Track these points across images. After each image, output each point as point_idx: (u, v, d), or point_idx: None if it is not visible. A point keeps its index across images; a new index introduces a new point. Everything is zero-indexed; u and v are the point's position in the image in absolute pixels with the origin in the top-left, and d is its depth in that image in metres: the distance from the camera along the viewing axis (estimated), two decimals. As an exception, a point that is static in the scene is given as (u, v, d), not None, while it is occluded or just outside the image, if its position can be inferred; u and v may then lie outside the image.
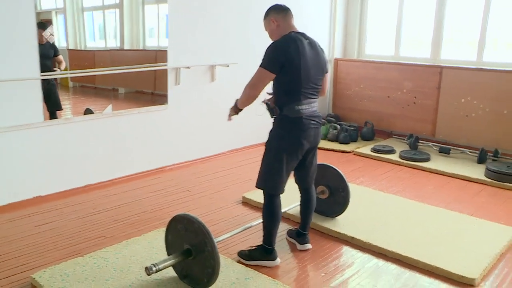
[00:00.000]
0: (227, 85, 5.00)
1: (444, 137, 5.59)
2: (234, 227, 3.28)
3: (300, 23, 5.61)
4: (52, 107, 3.99)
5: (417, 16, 6.02)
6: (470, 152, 5.24)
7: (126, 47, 4.82)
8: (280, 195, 2.84)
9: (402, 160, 5.07)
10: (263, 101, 2.86)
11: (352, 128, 5.95)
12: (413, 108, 5.81)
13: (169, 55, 4.43)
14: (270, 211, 2.84)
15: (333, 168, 3.45)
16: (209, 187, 4.23)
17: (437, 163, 5.00)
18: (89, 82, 4.72)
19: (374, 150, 5.40)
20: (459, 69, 5.42)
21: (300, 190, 3.11)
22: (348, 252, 3.09)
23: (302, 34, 2.76)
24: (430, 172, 4.82)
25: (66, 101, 4.40)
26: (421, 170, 4.88)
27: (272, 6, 2.85)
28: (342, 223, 3.41)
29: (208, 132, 4.98)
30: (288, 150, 2.75)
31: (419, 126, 5.77)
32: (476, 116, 5.30)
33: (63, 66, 4.10)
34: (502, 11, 5.30)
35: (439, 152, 5.34)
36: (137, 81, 4.91)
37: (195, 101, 4.78)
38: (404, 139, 5.78)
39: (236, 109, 2.87)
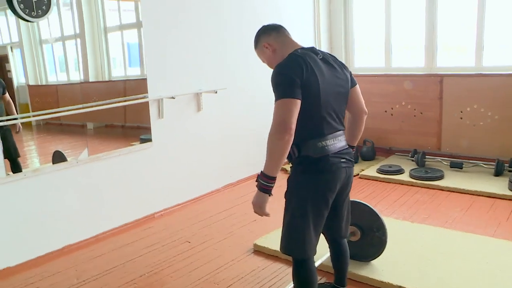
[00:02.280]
0: (216, 114, 4.46)
1: (451, 150, 5.18)
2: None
3: None
4: (11, 154, 3.31)
5: (406, 24, 5.65)
6: (485, 164, 4.84)
7: (91, 79, 4.21)
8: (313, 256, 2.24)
9: (414, 180, 4.61)
10: None
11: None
12: (414, 121, 5.39)
13: (149, 85, 3.84)
14: (302, 281, 2.23)
15: (364, 204, 2.92)
16: (211, 234, 3.62)
17: (453, 180, 4.56)
18: (54, 119, 4.08)
19: (381, 171, 4.92)
20: (461, 76, 5.05)
21: (328, 241, 2.54)
22: (399, 307, 2.55)
23: (312, 49, 2.17)
24: (449, 191, 4.36)
25: (30, 141, 3.75)
26: (438, 190, 4.42)
27: (259, 31, 2.30)
28: (381, 268, 2.87)
29: (197, 169, 4.39)
30: (314, 201, 2.12)
31: (422, 140, 5.35)
32: (485, 125, 4.91)
33: (11, 106, 3.44)
34: (498, 13, 4.97)
35: (451, 167, 4.91)
36: (107, 114, 4.30)
37: (181, 135, 4.20)
38: (407, 156, 5.34)
39: (269, 184, 2.00)
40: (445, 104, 5.12)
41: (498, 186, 4.32)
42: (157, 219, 3.98)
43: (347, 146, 2.25)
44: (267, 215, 2.06)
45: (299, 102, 1.97)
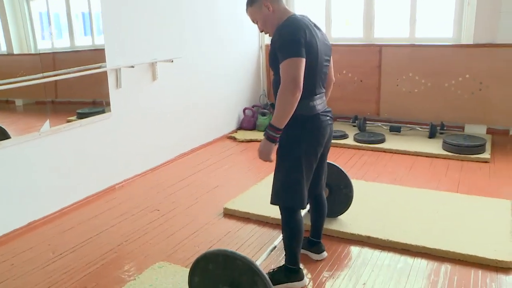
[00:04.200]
0: (171, 83, 4.47)
1: (389, 115, 5.57)
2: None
3: (230, 9, 5.21)
4: None
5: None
6: (420, 127, 5.28)
7: (15, 51, 3.97)
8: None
9: (359, 144, 4.94)
10: (269, 103, 2.44)
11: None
12: (355, 89, 5.71)
13: (107, 55, 3.75)
14: (294, 230, 2.43)
15: (331, 163, 3.13)
16: (177, 202, 3.69)
17: (394, 142, 4.95)
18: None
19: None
20: (397, 46, 5.42)
21: (309, 196, 2.75)
22: (370, 254, 2.81)
23: (306, 17, 2.36)
24: (391, 153, 4.74)
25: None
26: (383, 152, 4.79)
27: None
28: (349, 223, 3.13)
29: (154, 139, 4.39)
30: (306, 155, 2.33)
31: (363, 107, 5.69)
32: (419, 92, 5.34)
33: None
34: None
35: (390, 131, 5.31)
36: (36, 90, 4.08)
37: (139, 105, 4.16)
38: (349, 122, 5.67)
39: (276, 135, 2.18)
40: (383, 73, 5.47)
41: (433, 146, 4.76)
42: (119, 190, 3.96)
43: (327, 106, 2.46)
44: (271, 161, 2.29)
45: (304, 60, 2.14)
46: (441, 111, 5.24)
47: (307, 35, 2.18)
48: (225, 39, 5.29)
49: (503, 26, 4.91)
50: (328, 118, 2.41)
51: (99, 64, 3.77)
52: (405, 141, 4.98)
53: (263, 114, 5.73)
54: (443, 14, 5.43)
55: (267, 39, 6.13)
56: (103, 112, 3.84)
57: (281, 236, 2.54)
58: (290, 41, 2.14)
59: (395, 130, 5.28)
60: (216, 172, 4.36)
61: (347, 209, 3.17)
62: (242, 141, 5.33)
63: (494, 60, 4.93)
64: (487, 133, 5.14)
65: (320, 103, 2.35)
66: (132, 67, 3.92)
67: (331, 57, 2.47)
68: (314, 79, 2.28)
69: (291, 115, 2.15)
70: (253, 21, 2.40)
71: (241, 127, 5.80)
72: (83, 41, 3.91)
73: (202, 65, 4.94)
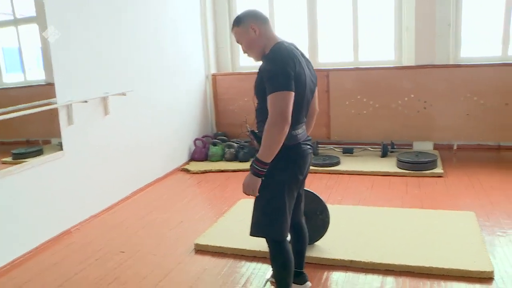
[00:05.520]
0: (123, 118, 4.27)
1: (339, 138, 5.66)
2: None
3: (174, 40, 5.16)
4: None
5: (288, 23, 6.02)
6: (371, 148, 5.40)
7: None
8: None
9: (316, 168, 4.94)
10: (249, 130, 2.37)
11: (247, 144, 5.64)
12: (305, 114, 5.74)
13: (57, 90, 3.51)
14: (284, 261, 2.33)
15: (306, 190, 3.06)
16: (143, 241, 3.46)
17: (349, 164, 5.01)
18: None
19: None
20: (343, 70, 5.56)
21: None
22: (356, 278, 2.76)
23: (293, 44, 2.34)
24: (349, 174, 4.79)
25: None
26: (340, 174, 4.82)
27: (245, 12, 2.33)
28: (327, 248, 3.07)
29: (108, 176, 4.13)
30: (289, 183, 2.27)
31: (314, 131, 5.62)
32: (368, 113, 5.49)
33: None
34: (371, 13, 5.62)
35: (343, 153, 5.39)
36: None
37: (91, 141, 3.91)
38: (301, 147, 5.69)
39: (263, 170, 2.11)
40: (332, 97, 5.57)
41: (388, 165, 4.88)
42: (76, 233, 3.65)
43: (307, 135, 2.42)
44: (256, 195, 2.19)
45: (293, 94, 2.09)
46: (390, 130, 5.41)
47: (296, 66, 2.13)
48: (173, 70, 5.17)
49: (439, 48, 5.20)
50: (308, 147, 2.37)
51: (48, 100, 3.52)
52: (359, 162, 5.06)
53: (214, 144, 5.62)
54: (383, 38, 5.66)
55: (213, 68, 6.09)
56: (41, 151, 3.56)
57: (270, 269, 2.42)
58: (280, 73, 2.08)
59: (348, 151, 5.37)
60: (176, 207, 4.17)
61: (324, 234, 3.12)
62: (196, 173, 5.17)
63: (434, 80, 5.19)
64: (434, 148, 5.35)
65: (301, 132, 2.31)
66: (86, 102, 3.69)
67: (317, 86, 2.45)
68: (300, 109, 2.24)
69: (278, 149, 2.09)
70: (237, 42, 2.33)
71: (192, 158, 5.64)
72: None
73: (152, 98, 4.78)
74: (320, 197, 3.08)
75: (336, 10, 5.79)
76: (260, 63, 2.28)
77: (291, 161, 2.25)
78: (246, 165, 5.24)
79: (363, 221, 3.50)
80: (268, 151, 2.08)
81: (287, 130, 2.07)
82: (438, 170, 4.59)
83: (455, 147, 5.37)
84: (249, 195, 2.20)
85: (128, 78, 4.34)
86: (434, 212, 3.60)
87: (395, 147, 5.31)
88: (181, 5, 5.35)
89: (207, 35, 5.87)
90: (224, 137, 5.85)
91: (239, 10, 6.07)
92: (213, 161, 5.52)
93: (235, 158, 5.51)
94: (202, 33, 5.82)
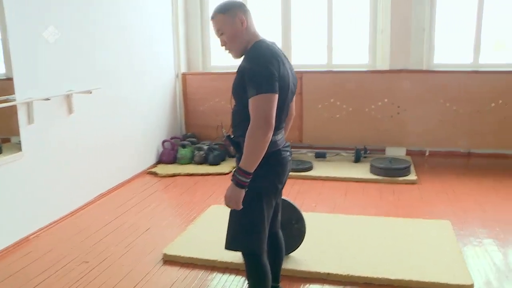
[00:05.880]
0: (88, 117, 4.04)
1: (312, 141, 5.56)
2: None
3: (144, 36, 4.94)
4: None
5: (261, 23, 5.86)
6: (344, 152, 5.33)
7: None
8: None
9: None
10: (225, 135, 2.20)
11: (218, 147, 5.47)
12: (277, 117, 5.62)
13: (16, 87, 3.25)
14: (261, 276, 2.18)
15: (282, 198, 2.95)
16: (108, 250, 3.24)
17: (322, 169, 4.92)
18: None
19: (253, 166, 5.02)
20: (317, 73, 5.46)
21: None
22: (333, 292, 2.65)
23: (274, 43, 2.19)
24: (322, 180, 4.68)
25: None
26: (313, 179, 4.71)
27: (235, 2, 2.14)
28: (304, 259, 2.94)
29: (70, 179, 3.88)
30: (268, 193, 2.12)
31: (286, 135, 5.61)
32: (341, 117, 5.41)
33: None
34: (346, 15, 5.55)
35: (316, 157, 5.29)
36: None
37: (53, 142, 3.66)
38: (273, 150, 5.56)
39: (246, 180, 1.95)
40: (305, 99, 5.46)
41: (361, 171, 4.80)
42: (34, 241, 3.40)
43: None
44: (240, 208, 2.00)
45: (277, 96, 1.94)
46: (363, 135, 5.35)
47: (280, 67, 1.99)
48: (142, 68, 4.95)
49: (414, 53, 5.18)
50: (288, 153, 2.23)
51: (6, 97, 3.26)
52: (332, 167, 4.97)
53: (183, 146, 5.42)
54: (358, 42, 5.60)
55: (183, 67, 5.88)
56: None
57: (246, 283, 2.28)
58: (264, 74, 1.93)
59: (321, 156, 5.28)
60: (143, 213, 3.96)
61: (300, 245, 2.99)
62: (164, 176, 4.96)
63: (408, 85, 5.15)
64: (406, 154, 5.32)
65: (281, 137, 2.17)
66: (48, 99, 3.44)
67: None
68: (281, 114, 2.08)
69: (262, 157, 1.93)
70: (218, 32, 2.12)
71: (160, 160, 5.42)
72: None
73: (120, 96, 4.55)
74: (296, 205, 2.95)
75: (310, 11, 5.69)
76: (238, 61, 2.13)
77: (270, 168, 2.10)
78: (216, 169, 5.08)
79: (339, 230, 3.40)
80: (251, 159, 1.93)
81: (271, 135, 1.93)
82: (412, 177, 4.55)
83: (427, 153, 5.36)
84: (232, 208, 2.04)
85: (95, 75, 4.10)
86: (411, 221, 3.53)
87: (368, 152, 5.25)
88: (152, 2, 5.13)
89: (178, 32, 5.66)
90: (193, 139, 5.67)
91: (211, 8, 5.90)
92: (182, 164, 5.32)
93: (205, 161, 5.33)
94: (173, 30, 5.61)
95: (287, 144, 2.25)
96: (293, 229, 2.96)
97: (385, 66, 5.27)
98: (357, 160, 5.12)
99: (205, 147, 5.41)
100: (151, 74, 5.21)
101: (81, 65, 3.93)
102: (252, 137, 1.91)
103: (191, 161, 5.38)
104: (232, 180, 1.98)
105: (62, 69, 3.70)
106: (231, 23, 2.07)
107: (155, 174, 5.04)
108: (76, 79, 3.86)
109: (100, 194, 4.30)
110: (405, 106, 5.20)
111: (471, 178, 4.59)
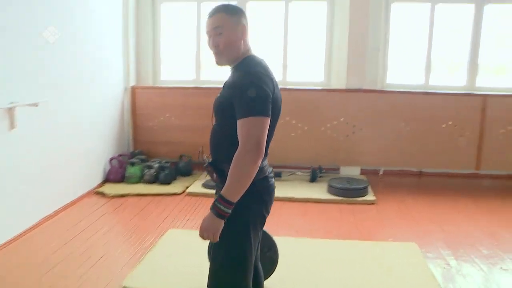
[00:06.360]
0: (33, 133, 3.68)
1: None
2: None
3: (92, 46, 4.61)
4: None
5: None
6: (300, 172, 5.25)
7: None
8: None
9: (245, 193, 4.66)
10: (207, 161, 2.01)
11: (168, 165, 5.21)
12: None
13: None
14: None
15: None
16: (58, 283, 2.90)
17: (278, 189, 4.60)
18: None
19: (207, 186, 4.82)
20: (272, 90, 5.36)
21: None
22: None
23: (262, 60, 2.02)
24: (280, 200, 4.49)
25: None
26: (270, 199, 4.57)
27: (238, 7, 2.01)
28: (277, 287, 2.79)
29: (12, 201, 3.49)
30: (255, 224, 1.96)
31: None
32: (296, 136, 5.34)
33: None
34: (299, 36, 5.53)
35: (272, 176, 5.16)
36: None
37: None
38: (227, 169, 5.39)
39: (228, 210, 1.77)
40: (260, 117, 5.33)
41: (318, 191, 4.73)
42: (-32, 276, 3.00)
43: None
44: (216, 240, 1.82)
45: (269, 120, 1.80)
46: (318, 154, 5.31)
47: (275, 87, 1.85)
48: (89, 80, 4.61)
49: (369, 73, 5.23)
50: (273, 181, 2.08)
51: None
52: (289, 187, 4.86)
53: (132, 164, 5.11)
54: (313, 60, 5.59)
55: (133, 80, 5.58)
56: None
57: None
58: (258, 94, 1.77)
59: (276, 175, 5.15)
60: (94, 239, 3.63)
61: (272, 273, 2.83)
62: (113, 197, 4.63)
63: (363, 104, 5.19)
64: (361, 173, 5.33)
65: (266, 163, 2.01)
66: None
67: None
68: (270, 138, 1.93)
69: (248, 185, 1.77)
70: (215, 31, 1.92)
71: (107, 179, 5.08)
72: None
73: (65, 110, 4.18)
74: (268, 233, 2.80)
75: (266, 27, 5.63)
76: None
77: (258, 197, 1.94)
78: (168, 189, 4.82)
79: (307, 255, 3.30)
80: (236, 188, 1.76)
81: (260, 163, 1.77)
82: (370, 197, 4.54)
83: (381, 172, 5.40)
84: (206, 239, 1.84)
85: (40, 86, 3.75)
86: (378, 245, 3.49)
87: (323, 171, 5.21)
88: (102, 11, 4.82)
89: (128, 43, 5.38)
90: (142, 156, 5.37)
91: (163, 20, 5.68)
92: (130, 183, 5.01)
93: (155, 180, 5.04)
94: (123, 41, 5.32)
95: (271, 170, 2.09)
96: (265, 258, 2.78)
97: (341, 85, 5.28)
98: (313, 179, 5.06)
99: (156, 165, 5.13)
100: (99, 87, 4.88)
101: (26, 75, 3.57)
102: (239, 163, 1.75)
103: (140, 180, 5.08)
104: (211, 209, 1.79)
105: (3, 78, 3.32)
106: (233, 28, 1.92)
107: (102, 194, 4.70)
108: (20, 90, 3.50)
109: (45, 216, 3.92)
110: (361, 126, 5.23)
111: (424, 198, 4.66)
